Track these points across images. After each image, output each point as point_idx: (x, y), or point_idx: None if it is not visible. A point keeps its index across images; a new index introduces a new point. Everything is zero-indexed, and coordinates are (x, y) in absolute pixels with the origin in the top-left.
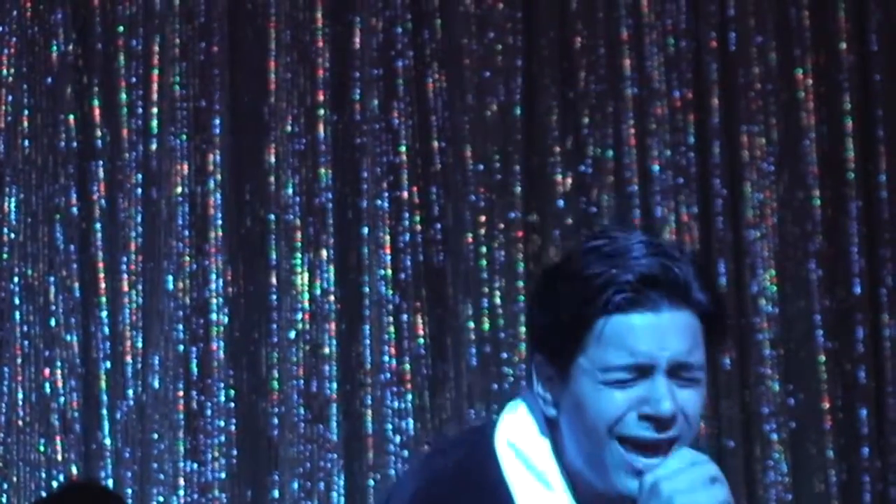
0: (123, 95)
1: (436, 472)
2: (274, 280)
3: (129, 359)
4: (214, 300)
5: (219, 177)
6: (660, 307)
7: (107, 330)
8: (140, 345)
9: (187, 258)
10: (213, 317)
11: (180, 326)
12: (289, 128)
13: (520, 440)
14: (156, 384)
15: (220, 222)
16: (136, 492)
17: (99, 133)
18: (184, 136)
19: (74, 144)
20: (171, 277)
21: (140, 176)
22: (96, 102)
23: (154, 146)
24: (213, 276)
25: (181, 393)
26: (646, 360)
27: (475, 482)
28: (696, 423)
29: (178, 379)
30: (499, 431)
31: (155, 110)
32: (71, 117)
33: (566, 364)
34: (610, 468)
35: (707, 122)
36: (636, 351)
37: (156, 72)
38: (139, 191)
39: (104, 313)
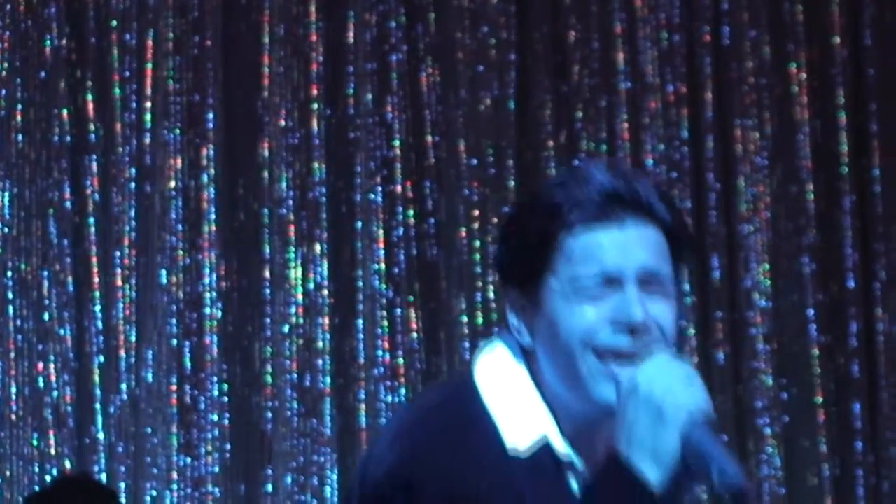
0: (117, 90)
1: (419, 412)
2: (267, 274)
3: (122, 353)
4: (208, 294)
5: (212, 171)
6: (624, 221)
7: (100, 324)
8: (133, 339)
9: (181, 252)
10: (207, 311)
11: (174, 321)
12: (282, 122)
13: (498, 372)
14: (149, 378)
15: (213, 216)
16: (129, 486)
17: (92, 127)
18: (177, 131)
19: (68, 139)
20: (164, 272)
21: (134, 170)
22: (90, 97)
23: (148, 140)
24: (207, 271)
25: (174, 387)
26: (614, 271)
27: (458, 416)
28: (670, 335)
29: (172, 373)
30: (478, 369)
31: (148, 104)
32: (64, 111)
33: (537, 288)
34: (587, 381)
35: (701, 117)
36: (604, 262)
37: (149, 66)
38: (133, 185)
39: (98, 307)
